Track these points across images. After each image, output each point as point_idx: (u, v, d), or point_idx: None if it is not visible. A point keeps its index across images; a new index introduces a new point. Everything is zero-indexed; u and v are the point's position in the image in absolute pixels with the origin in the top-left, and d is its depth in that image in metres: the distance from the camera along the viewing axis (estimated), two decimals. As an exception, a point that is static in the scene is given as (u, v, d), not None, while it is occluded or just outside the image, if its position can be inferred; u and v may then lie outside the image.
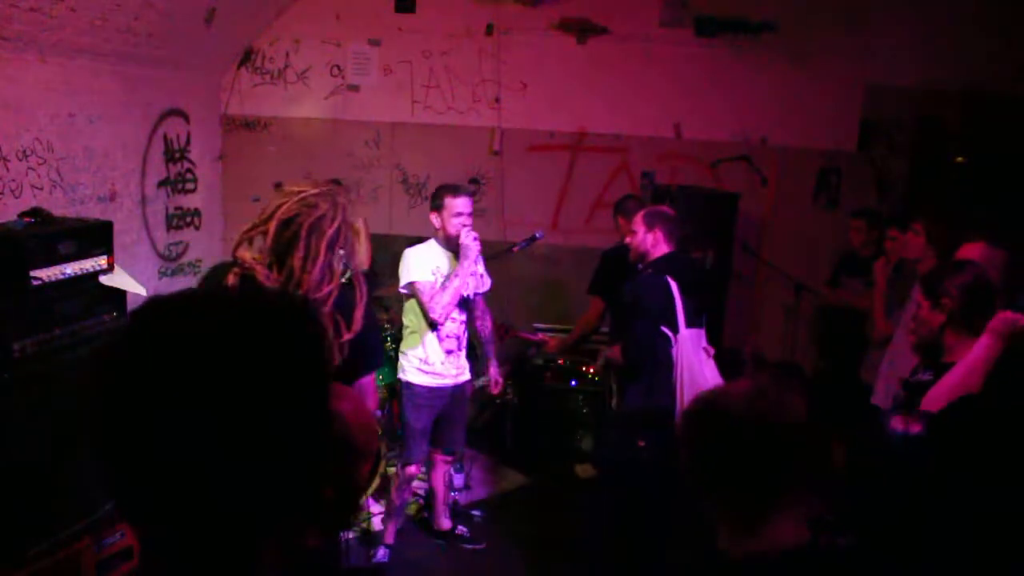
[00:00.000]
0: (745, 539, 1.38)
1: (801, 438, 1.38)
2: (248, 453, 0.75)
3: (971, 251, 3.13)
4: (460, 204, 3.78)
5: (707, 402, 1.46)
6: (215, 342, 0.77)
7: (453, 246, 3.79)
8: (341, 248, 2.36)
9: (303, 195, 2.35)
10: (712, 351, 3.62)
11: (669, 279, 3.47)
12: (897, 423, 1.35)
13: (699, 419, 1.46)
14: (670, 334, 3.45)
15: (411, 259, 3.82)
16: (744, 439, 1.38)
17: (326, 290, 2.32)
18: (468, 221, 3.80)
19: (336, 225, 2.34)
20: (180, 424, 0.74)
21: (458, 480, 4.85)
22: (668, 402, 3.41)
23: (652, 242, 3.61)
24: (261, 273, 2.31)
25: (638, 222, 3.70)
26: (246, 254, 2.34)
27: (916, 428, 1.35)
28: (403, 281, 3.84)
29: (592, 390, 5.40)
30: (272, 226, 2.31)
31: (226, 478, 0.75)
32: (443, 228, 3.81)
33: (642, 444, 3.45)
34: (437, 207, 3.83)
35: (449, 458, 4.21)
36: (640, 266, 3.66)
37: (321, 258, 2.30)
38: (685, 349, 3.45)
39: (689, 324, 3.48)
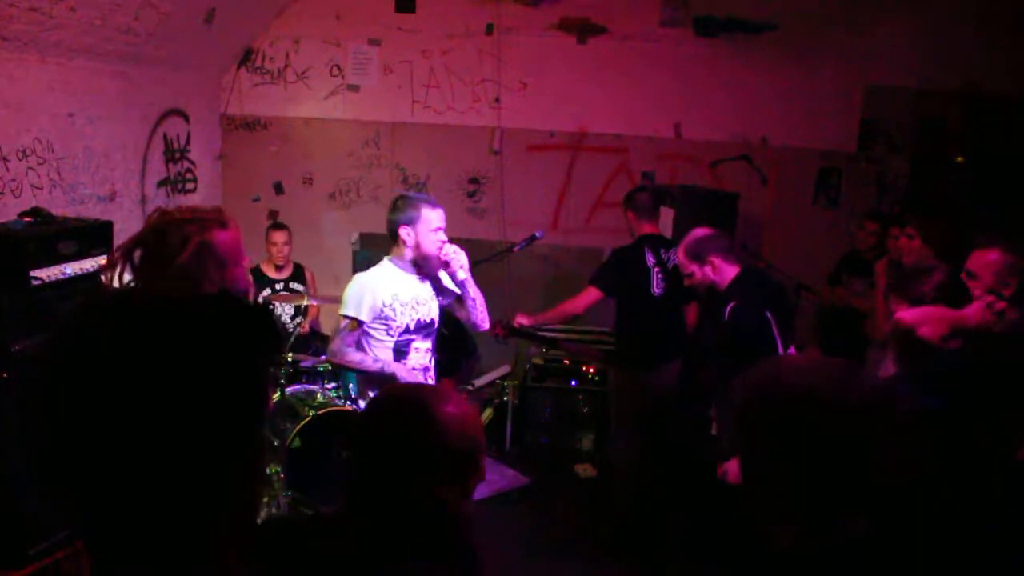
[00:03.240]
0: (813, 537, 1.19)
1: (868, 423, 1.17)
2: (196, 446, 0.77)
3: (986, 256, 2.81)
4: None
5: (762, 379, 1.24)
6: (158, 339, 0.78)
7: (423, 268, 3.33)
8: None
9: (157, 222, 2.11)
10: None
11: (767, 313, 3.15)
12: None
13: (755, 399, 1.24)
14: None
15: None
16: (805, 423, 1.16)
17: None
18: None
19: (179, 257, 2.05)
20: (124, 421, 0.75)
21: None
22: None
23: (714, 273, 3.28)
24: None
25: (685, 263, 3.36)
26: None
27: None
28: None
29: (592, 390, 5.40)
30: (117, 254, 2.12)
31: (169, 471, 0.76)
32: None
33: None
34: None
35: None
36: (730, 300, 3.25)
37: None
38: None
39: (785, 348, 3.22)
